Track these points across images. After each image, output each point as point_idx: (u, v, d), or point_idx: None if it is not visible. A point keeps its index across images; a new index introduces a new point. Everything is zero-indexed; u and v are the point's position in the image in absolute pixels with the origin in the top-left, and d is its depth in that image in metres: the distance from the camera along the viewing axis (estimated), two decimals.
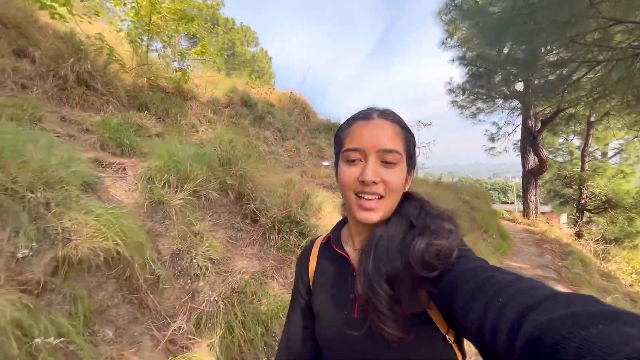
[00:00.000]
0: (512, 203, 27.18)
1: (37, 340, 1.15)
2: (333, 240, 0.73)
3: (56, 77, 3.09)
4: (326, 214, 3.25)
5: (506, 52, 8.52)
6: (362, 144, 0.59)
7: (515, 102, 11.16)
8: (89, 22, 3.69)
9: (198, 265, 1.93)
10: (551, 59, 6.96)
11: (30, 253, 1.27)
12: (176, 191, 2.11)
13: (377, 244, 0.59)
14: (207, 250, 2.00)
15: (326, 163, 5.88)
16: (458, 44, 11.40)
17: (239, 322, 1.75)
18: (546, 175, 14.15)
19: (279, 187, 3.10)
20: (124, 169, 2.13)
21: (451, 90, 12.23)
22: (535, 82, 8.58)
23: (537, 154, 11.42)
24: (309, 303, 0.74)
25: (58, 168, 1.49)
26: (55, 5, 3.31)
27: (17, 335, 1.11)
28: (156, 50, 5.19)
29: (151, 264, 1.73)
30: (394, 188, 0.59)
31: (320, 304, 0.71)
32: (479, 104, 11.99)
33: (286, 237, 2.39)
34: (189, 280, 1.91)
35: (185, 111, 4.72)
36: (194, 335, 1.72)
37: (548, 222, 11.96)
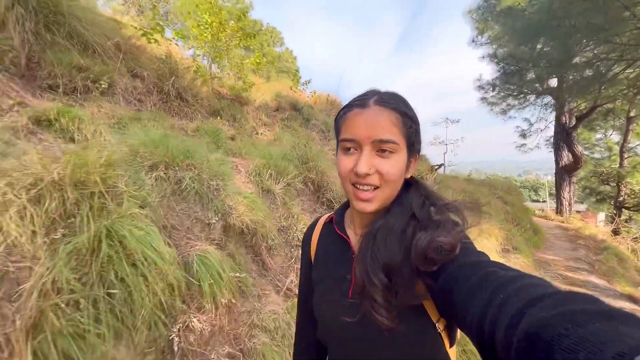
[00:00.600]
0: (544, 201, 25.78)
1: (231, 273, 1.81)
2: (335, 221, 0.73)
3: (161, 92, 3.85)
4: None
5: (539, 49, 8.58)
6: (356, 134, 0.57)
7: (548, 99, 11.05)
8: (177, 45, 4.46)
9: (298, 238, 2.56)
10: (585, 58, 7.05)
11: (217, 221, 1.93)
12: (276, 182, 2.76)
13: (377, 234, 0.58)
14: (303, 227, 2.63)
15: None
16: (489, 41, 11.43)
17: None
18: (581, 172, 13.85)
19: (336, 181, 3.71)
20: (237, 166, 2.80)
21: (480, 87, 12.20)
22: (570, 79, 8.60)
23: (571, 150, 11.30)
24: (311, 277, 0.76)
25: (218, 165, 2.17)
26: (153, 33, 4.10)
27: (224, 269, 1.78)
28: (217, 62, 5.96)
29: (270, 235, 2.38)
30: (389, 179, 0.57)
31: (318, 281, 0.72)
32: (510, 101, 11.88)
33: None
34: (291, 249, 2.55)
35: (246, 116, 5.43)
36: None
37: (583, 220, 11.81)
